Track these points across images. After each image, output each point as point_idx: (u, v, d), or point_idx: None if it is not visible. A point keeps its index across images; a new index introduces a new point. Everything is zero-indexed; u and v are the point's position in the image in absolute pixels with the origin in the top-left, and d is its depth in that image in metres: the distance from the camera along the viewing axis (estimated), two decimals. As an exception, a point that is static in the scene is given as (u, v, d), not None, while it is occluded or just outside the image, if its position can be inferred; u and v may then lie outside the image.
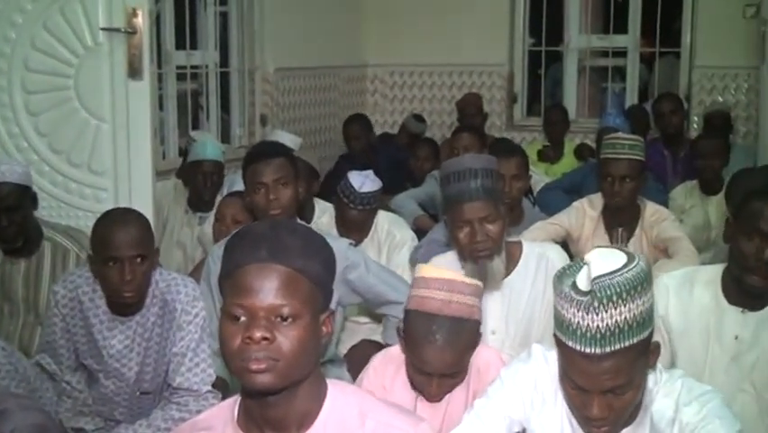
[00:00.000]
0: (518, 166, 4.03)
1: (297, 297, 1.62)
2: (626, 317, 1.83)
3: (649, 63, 7.77)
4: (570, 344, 1.87)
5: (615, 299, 1.82)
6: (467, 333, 2.40)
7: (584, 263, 1.89)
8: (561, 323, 1.90)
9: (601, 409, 1.90)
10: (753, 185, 3.61)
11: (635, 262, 1.88)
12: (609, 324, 1.82)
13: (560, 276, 1.94)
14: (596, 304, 1.82)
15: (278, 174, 3.15)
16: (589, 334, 1.83)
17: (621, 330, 1.83)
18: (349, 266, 3.22)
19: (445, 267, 2.66)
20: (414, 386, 2.50)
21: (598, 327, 1.82)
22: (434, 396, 2.46)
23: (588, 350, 1.84)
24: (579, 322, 1.84)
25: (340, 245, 3.22)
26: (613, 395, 1.90)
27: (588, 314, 1.83)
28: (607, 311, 1.82)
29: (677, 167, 5.79)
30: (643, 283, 1.86)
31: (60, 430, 2.90)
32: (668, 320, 2.60)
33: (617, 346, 1.84)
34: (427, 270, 2.50)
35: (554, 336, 1.96)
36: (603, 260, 1.87)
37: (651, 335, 1.93)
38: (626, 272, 1.85)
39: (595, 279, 1.84)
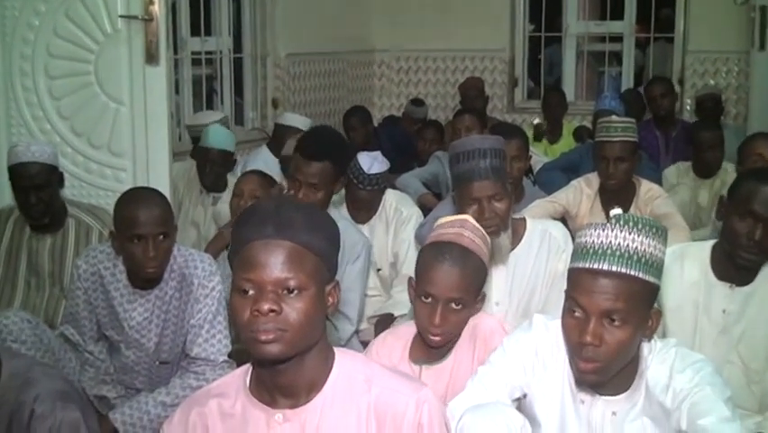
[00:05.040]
0: (518, 147, 4.00)
1: (303, 270, 1.62)
2: (636, 247, 1.90)
3: (644, 48, 7.73)
4: (580, 265, 1.93)
5: (631, 225, 1.92)
6: (474, 265, 2.38)
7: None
8: (577, 252, 1.97)
9: (594, 336, 1.90)
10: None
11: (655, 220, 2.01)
12: (621, 244, 1.90)
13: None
14: (613, 222, 1.92)
15: (313, 179, 3.19)
16: (600, 250, 1.91)
17: (630, 256, 1.89)
18: (351, 258, 3.28)
19: None
20: (415, 360, 2.48)
21: (610, 243, 1.90)
22: (435, 331, 2.36)
23: (595, 265, 1.90)
24: (593, 241, 1.92)
25: (359, 238, 3.27)
26: (608, 323, 1.90)
27: (603, 231, 1.92)
28: (621, 232, 1.91)
29: (669, 147, 5.76)
30: (659, 231, 1.95)
31: (82, 397, 2.90)
32: (660, 294, 2.59)
33: (622, 270, 1.89)
34: (442, 219, 2.52)
35: (568, 273, 1.99)
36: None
37: (654, 293, 1.96)
38: (647, 217, 2.01)
39: (618, 214, 1.94)
